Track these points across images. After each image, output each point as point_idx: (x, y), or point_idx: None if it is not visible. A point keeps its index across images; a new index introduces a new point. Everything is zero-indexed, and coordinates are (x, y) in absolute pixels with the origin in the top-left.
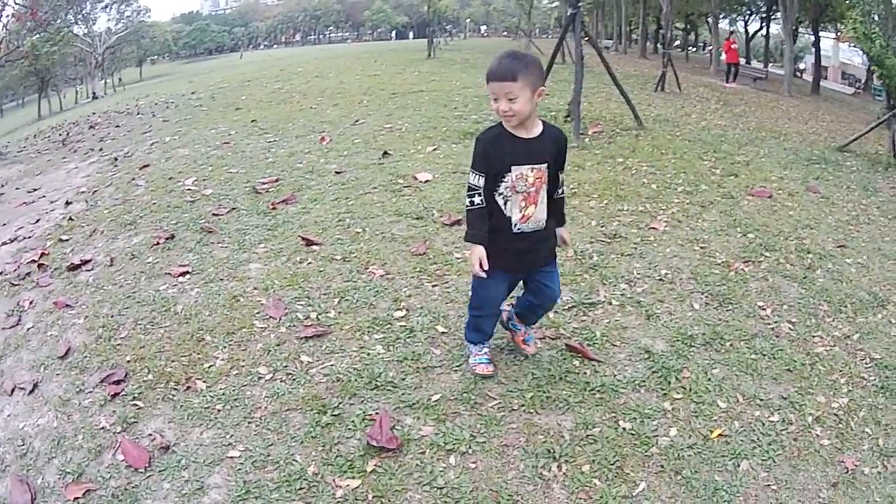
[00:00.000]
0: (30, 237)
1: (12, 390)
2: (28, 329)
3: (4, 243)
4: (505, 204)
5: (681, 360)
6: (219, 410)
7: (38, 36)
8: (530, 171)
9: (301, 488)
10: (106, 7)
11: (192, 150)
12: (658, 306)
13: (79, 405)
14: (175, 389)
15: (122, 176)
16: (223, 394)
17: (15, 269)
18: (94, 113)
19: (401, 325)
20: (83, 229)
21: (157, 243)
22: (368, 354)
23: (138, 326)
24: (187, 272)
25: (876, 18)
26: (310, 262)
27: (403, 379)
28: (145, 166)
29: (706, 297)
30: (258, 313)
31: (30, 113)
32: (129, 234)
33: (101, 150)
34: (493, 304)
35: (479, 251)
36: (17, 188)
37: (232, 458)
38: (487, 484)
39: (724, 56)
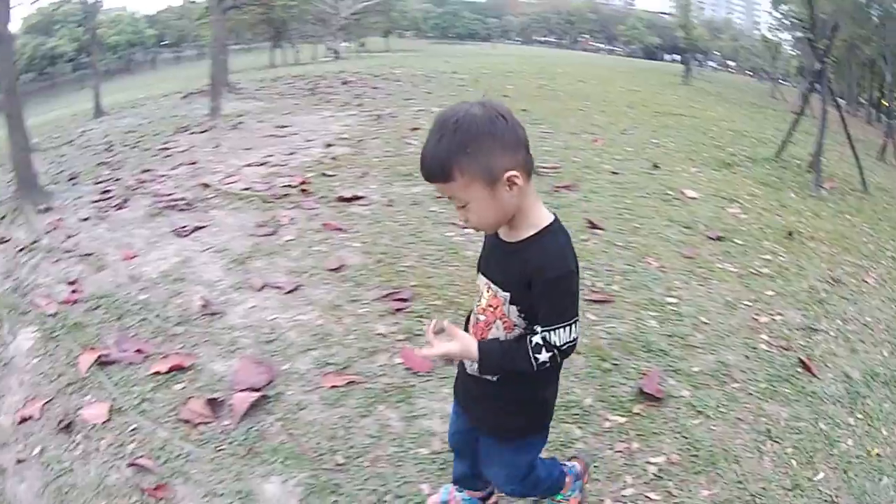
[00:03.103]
0: (283, 165)
1: (261, 287)
2: (287, 241)
3: (249, 164)
4: (467, 319)
5: (867, 389)
6: None
7: None
8: (487, 289)
9: (576, 414)
10: None
11: None
12: (859, 345)
13: (352, 312)
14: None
15: (389, 133)
16: None
17: (267, 189)
18: (342, 71)
19: (671, 309)
20: (351, 170)
21: (440, 197)
22: (644, 326)
23: (424, 261)
24: None
25: None
26: (595, 242)
27: (671, 350)
28: (415, 129)
29: (893, 346)
30: None
31: (258, 59)
32: (406, 184)
33: (359, 105)
34: (450, 433)
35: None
36: (259, 121)
37: None
38: (720, 444)
39: None
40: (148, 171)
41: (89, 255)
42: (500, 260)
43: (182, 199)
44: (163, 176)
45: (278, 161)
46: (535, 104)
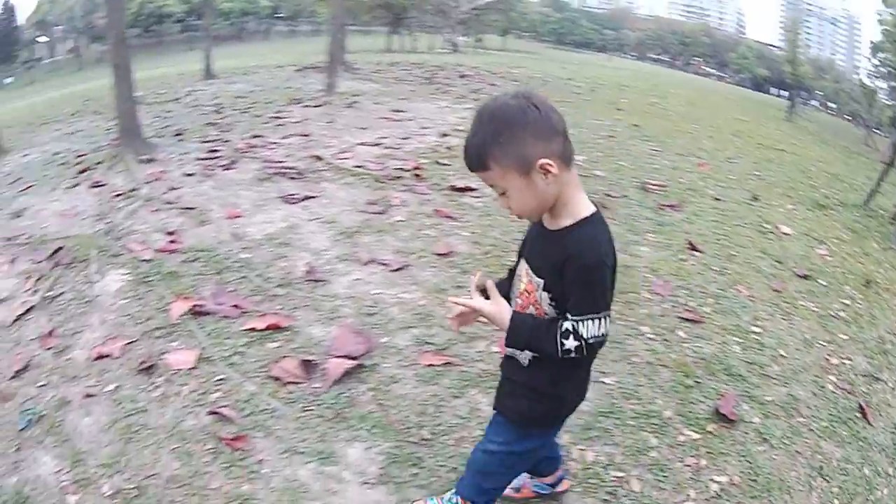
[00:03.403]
0: (397, 149)
1: (368, 262)
2: (397, 221)
3: (363, 143)
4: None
5: None
6: None
7: None
8: (525, 274)
9: (654, 424)
10: None
11: (576, 131)
12: None
13: (455, 296)
14: None
15: None
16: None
17: (380, 169)
18: (460, 64)
19: (755, 338)
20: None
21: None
22: (728, 350)
23: None
24: None
25: None
26: (692, 264)
27: (749, 377)
28: None
29: None
30: (645, 286)
31: (374, 43)
32: None
33: (476, 100)
34: None
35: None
36: (375, 103)
37: (604, 383)
38: (778, 474)
39: None
40: (258, 136)
41: (191, 209)
42: (541, 247)
43: (293, 167)
44: (274, 143)
45: (392, 144)
46: (647, 121)
